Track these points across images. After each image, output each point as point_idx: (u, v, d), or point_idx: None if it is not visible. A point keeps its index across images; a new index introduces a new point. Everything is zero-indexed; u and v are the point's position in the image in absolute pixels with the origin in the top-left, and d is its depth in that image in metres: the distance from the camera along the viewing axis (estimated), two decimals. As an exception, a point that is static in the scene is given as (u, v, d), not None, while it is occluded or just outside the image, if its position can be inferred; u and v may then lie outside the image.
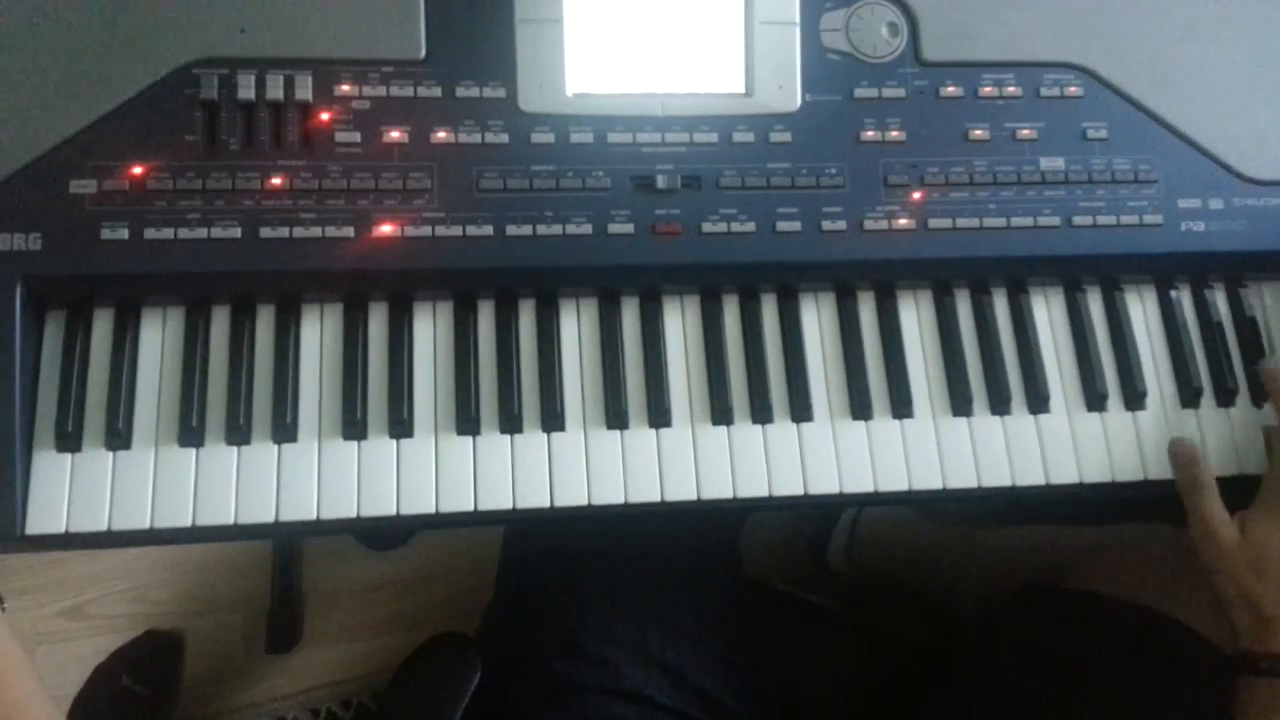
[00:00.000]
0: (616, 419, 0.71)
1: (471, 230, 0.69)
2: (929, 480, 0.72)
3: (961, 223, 0.73)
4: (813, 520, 1.30)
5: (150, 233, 0.66)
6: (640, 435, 0.71)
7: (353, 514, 0.68)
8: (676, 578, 0.82)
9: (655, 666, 0.77)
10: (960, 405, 0.74)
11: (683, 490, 0.70)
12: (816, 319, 0.75)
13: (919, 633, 0.97)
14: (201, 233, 0.67)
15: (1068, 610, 0.84)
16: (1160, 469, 0.74)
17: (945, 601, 1.14)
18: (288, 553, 1.30)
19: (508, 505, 0.69)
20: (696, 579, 0.83)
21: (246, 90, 0.68)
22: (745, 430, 0.72)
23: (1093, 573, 0.87)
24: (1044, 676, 0.77)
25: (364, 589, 1.32)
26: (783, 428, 0.72)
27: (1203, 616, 0.75)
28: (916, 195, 0.73)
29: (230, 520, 0.67)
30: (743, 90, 0.73)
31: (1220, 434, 0.75)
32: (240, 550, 1.31)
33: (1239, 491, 0.72)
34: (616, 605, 0.79)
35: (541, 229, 0.70)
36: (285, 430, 0.68)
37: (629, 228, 0.70)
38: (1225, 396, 0.76)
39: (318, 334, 0.71)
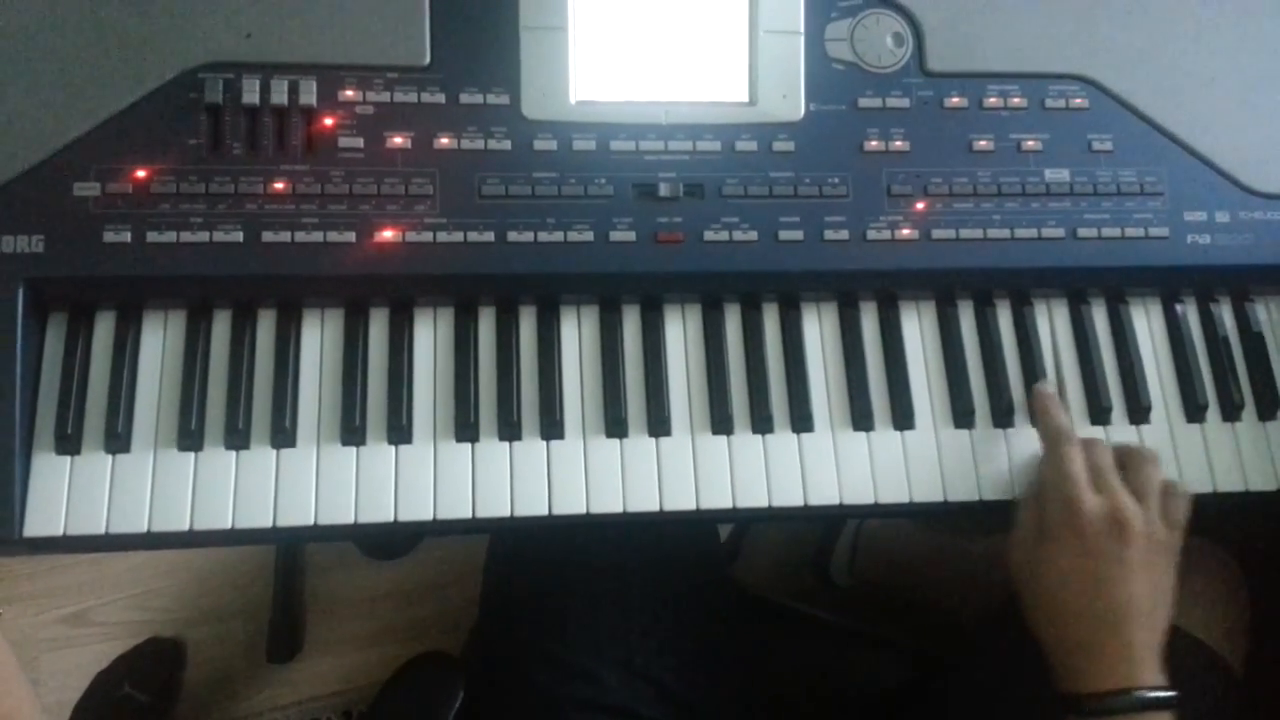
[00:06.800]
0: (616, 427, 0.70)
1: (473, 236, 0.69)
2: (930, 493, 0.71)
3: (965, 233, 0.73)
4: (815, 536, 1.29)
5: (153, 236, 0.66)
6: (640, 444, 0.71)
7: (350, 520, 0.68)
8: (657, 585, 0.81)
9: (640, 678, 0.76)
10: (963, 418, 0.73)
11: (682, 500, 0.70)
12: (818, 329, 0.74)
13: (914, 638, 0.96)
14: (204, 236, 0.67)
15: None
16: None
17: (949, 611, 1.13)
18: (290, 561, 1.29)
19: (506, 513, 0.69)
20: (677, 585, 0.82)
21: (251, 95, 0.68)
22: (745, 440, 0.71)
23: None
24: (1034, 676, 0.76)
25: (366, 598, 1.32)
26: (783, 438, 0.72)
27: (1194, 617, 0.74)
28: (920, 205, 0.73)
29: (228, 525, 0.67)
30: (746, 99, 0.73)
31: (1226, 449, 0.75)
32: (243, 559, 1.31)
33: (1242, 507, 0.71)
34: (598, 617, 0.78)
35: (543, 236, 0.70)
36: (284, 435, 0.68)
37: (631, 235, 0.70)
38: (1231, 411, 0.75)
39: (318, 339, 0.71)
